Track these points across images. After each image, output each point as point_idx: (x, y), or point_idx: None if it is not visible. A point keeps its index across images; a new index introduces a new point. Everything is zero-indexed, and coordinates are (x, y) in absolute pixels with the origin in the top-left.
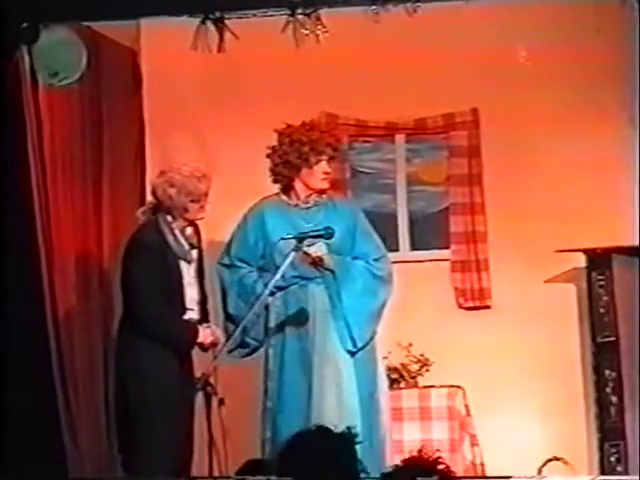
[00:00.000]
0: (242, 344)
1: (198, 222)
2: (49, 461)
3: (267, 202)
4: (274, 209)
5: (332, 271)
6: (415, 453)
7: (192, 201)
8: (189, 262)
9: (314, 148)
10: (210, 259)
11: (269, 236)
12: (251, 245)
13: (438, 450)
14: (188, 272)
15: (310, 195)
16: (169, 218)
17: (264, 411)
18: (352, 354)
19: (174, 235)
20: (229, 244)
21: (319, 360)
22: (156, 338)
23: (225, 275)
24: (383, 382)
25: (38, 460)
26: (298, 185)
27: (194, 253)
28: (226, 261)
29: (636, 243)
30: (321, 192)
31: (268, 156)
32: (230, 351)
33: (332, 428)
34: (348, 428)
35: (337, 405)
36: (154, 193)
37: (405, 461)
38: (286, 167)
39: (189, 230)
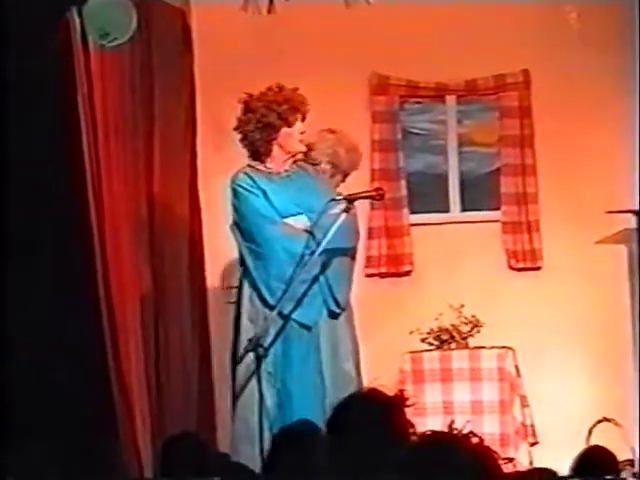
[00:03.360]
0: None
1: None
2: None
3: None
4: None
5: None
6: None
7: None
8: None
9: (292, 106)
10: None
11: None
12: None
13: (469, 421)
14: None
15: (287, 160)
16: None
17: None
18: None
19: None
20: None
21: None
22: None
23: None
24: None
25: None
26: (275, 150)
27: None
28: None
29: None
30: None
31: (237, 128)
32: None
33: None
34: (400, 391)
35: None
36: None
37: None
38: (265, 130)
39: None
